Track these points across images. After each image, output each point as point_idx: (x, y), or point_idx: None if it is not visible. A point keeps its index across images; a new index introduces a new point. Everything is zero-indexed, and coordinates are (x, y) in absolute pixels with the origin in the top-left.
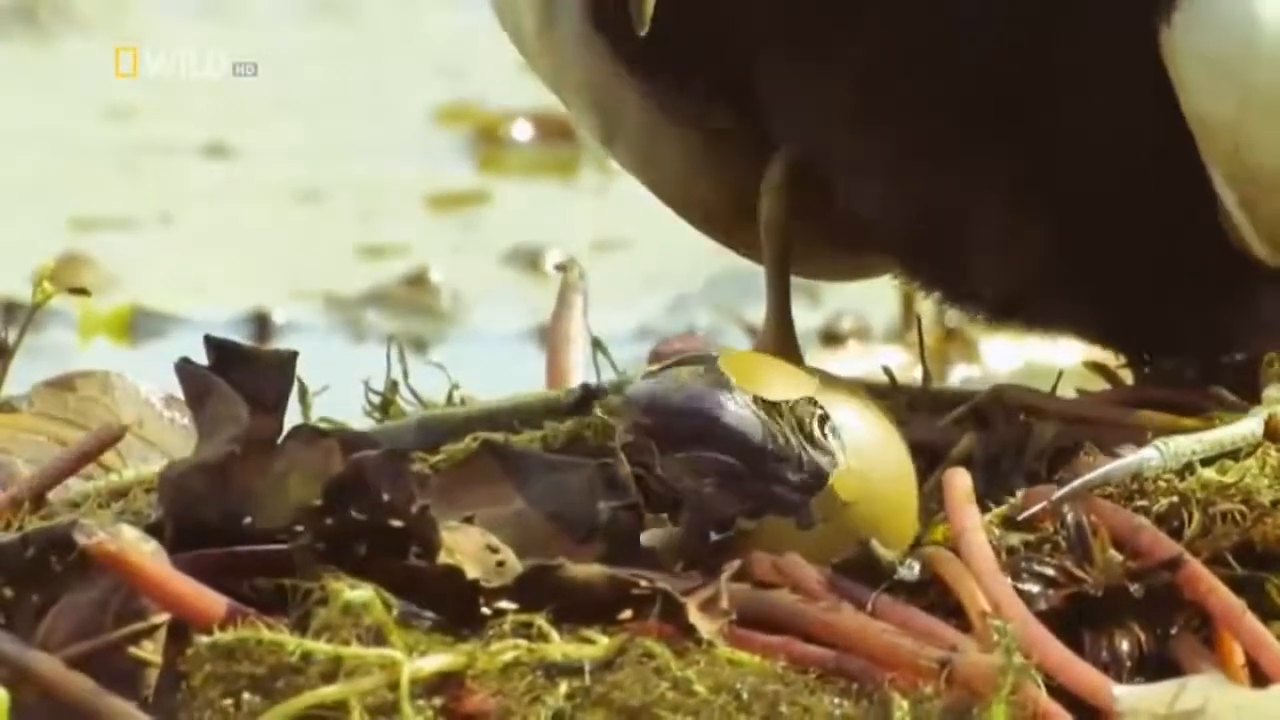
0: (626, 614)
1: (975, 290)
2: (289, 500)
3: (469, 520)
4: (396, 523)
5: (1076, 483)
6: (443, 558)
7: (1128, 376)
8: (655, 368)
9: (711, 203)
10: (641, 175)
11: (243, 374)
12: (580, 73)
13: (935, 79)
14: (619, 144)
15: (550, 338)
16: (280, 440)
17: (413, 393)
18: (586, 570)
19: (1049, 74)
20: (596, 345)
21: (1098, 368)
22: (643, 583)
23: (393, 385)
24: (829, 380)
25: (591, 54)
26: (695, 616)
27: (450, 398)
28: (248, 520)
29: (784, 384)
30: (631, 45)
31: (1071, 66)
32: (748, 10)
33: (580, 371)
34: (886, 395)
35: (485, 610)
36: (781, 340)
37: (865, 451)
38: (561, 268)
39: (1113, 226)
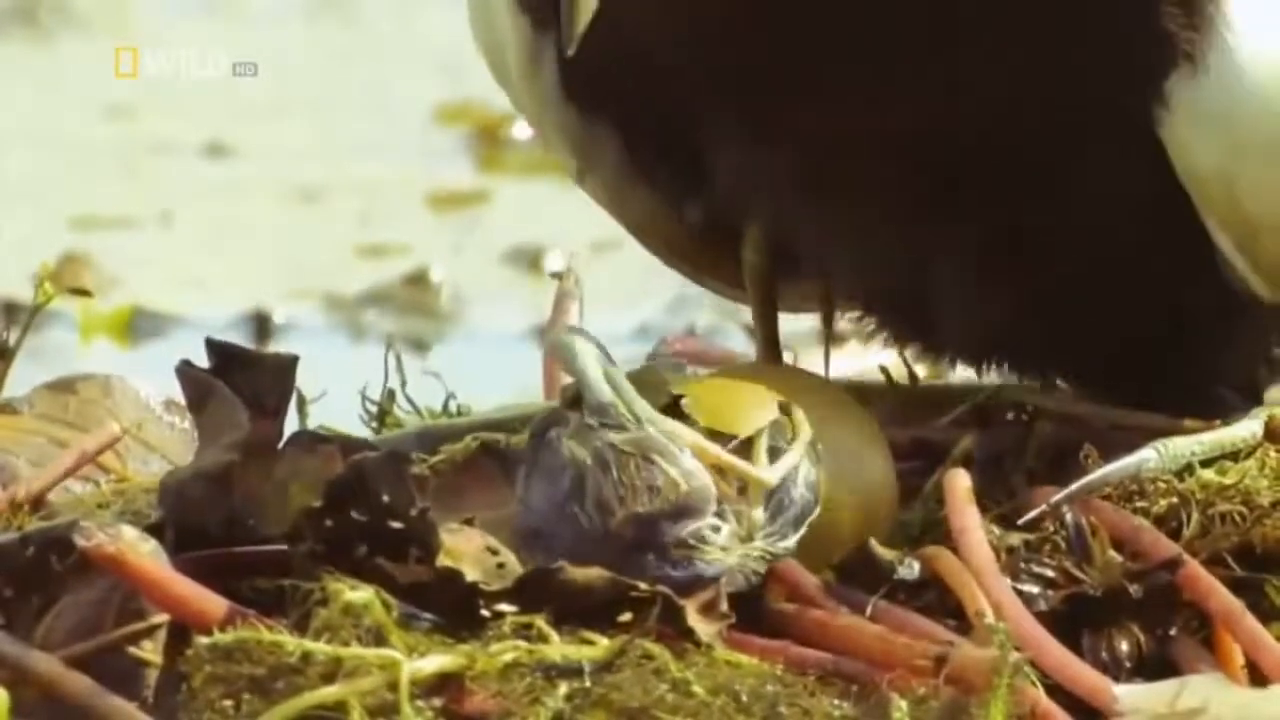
0: (626, 616)
1: (942, 343)
2: (290, 507)
3: (469, 522)
4: (396, 524)
5: (1075, 485)
6: (442, 560)
7: None
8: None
9: (677, 243)
10: (611, 211)
11: (244, 377)
12: (559, 119)
13: (902, 150)
14: (592, 182)
15: (546, 345)
16: (281, 446)
17: (410, 402)
18: (586, 573)
19: (1030, 138)
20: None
21: None
22: (642, 585)
23: (390, 394)
24: (803, 387)
25: (569, 107)
26: (694, 619)
27: (447, 406)
28: (249, 527)
29: (746, 414)
30: (602, 111)
31: (1055, 129)
32: (699, 90)
33: None
34: (884, 395)
35: (485, 613)
36: None
37: (838, 455)
38: (557, 275)
39: (1099, 281)
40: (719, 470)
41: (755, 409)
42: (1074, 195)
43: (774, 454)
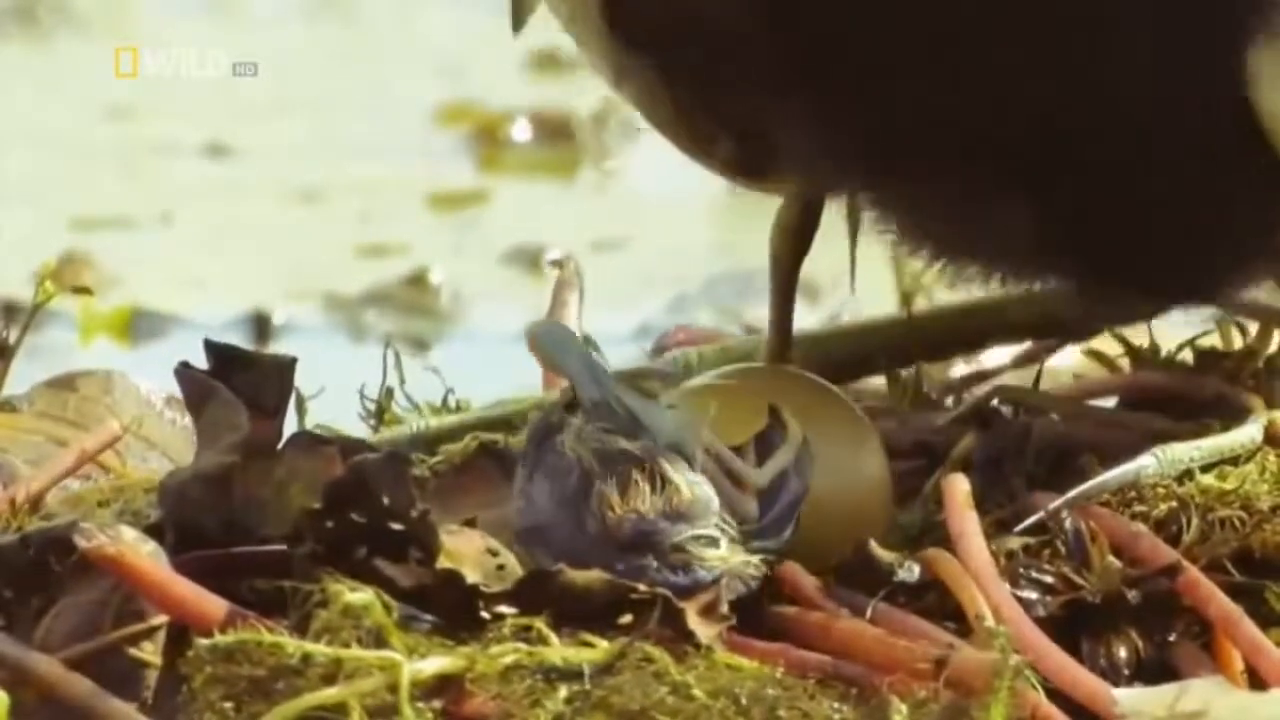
0: (626, 619)
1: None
2: (290, 508)
3: (470, 523)
4: (397, 526)
5: (1074, 492)
6: (443, 562)
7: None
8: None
9: (712, 150)
10: (641, 112)
11: (243, 379)
12: (594, 39)
13: (980, 113)
14: (625, 89)
15: (527, 337)
16: (280, 447)
17: (409, 399)
18: (586, 575)
19: (1108, 98)
20: (587, 343)
21: (1097, 356)
22: (641, 587)
23: (388, 392)
24: (797, 389)
25: (610, 35)
26: (694, 622)
27: (445, 402)
28: (249, 529)
29: (737, 420)
30: (642, 52)
31: (1136, 90)
32: (757, 58)
33: None
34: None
35: (485, 614)
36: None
37: (831, 455)
38: (557, 264)
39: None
40: (711, 456)
41: (745, 414)
42: (1152, 146)
43: (764, 454)
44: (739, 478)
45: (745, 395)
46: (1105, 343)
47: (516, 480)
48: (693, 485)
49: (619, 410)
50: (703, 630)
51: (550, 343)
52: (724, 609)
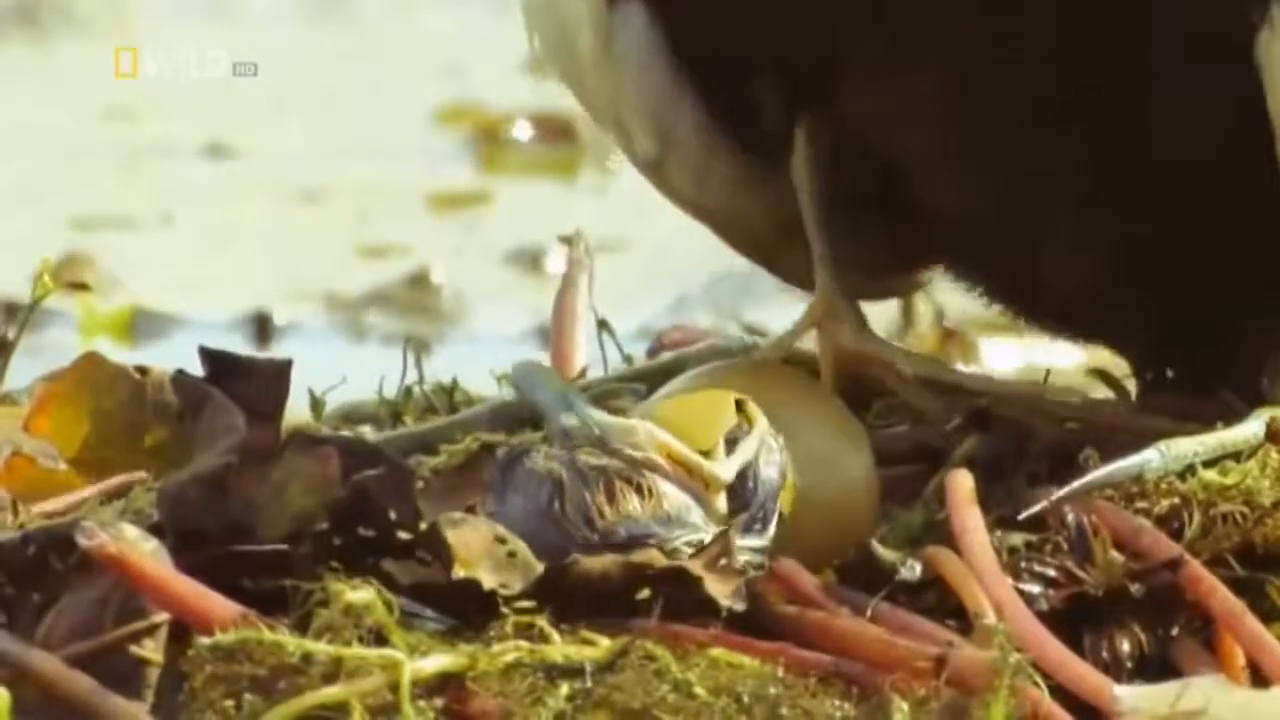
0: (644, 594)
1: (1036, 291)
2: (288, 509)
3: (470, 509)
4: (405, 535)
5: (1076, 484)
6: (457, 570)
7: (1131, 385)
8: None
9: (758, 224)
10: (691, 198)
11: (239, 384)
12: (638, 93)
13: (1022, 73)
14: (671, 164)
15: (554, 317)
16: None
17: (426, 398)
18: (601, 562)
19: (1139, 69)
20: (602, 325)
21: (1101, 375)
22: (658, 563)
23: (407, 392)
24: (783, 386)
25: (651, 74)
26: (711, 585)
27: (453, 397)
28: (248, 530)
29: (707, 425)
30: (697, 53)
31: (1163, 63)
32: (824, 12)
33: (584, 352)
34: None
35: (505, 610)
36: (832, 303)
37: (814, 453)
38: (566, 240)
39: (1185, 226)
40: (685, 468)
41: (715, 417)
42: (1174, 132)
43: (733, 447)
44: (705, 476)
45: (708, 398)
46: (1107, 358)
47: (485, 506)
48: (676, 493)
49: (593, 434)
50: (719, 590)
51: (524, 380)
52: (735, 561)
